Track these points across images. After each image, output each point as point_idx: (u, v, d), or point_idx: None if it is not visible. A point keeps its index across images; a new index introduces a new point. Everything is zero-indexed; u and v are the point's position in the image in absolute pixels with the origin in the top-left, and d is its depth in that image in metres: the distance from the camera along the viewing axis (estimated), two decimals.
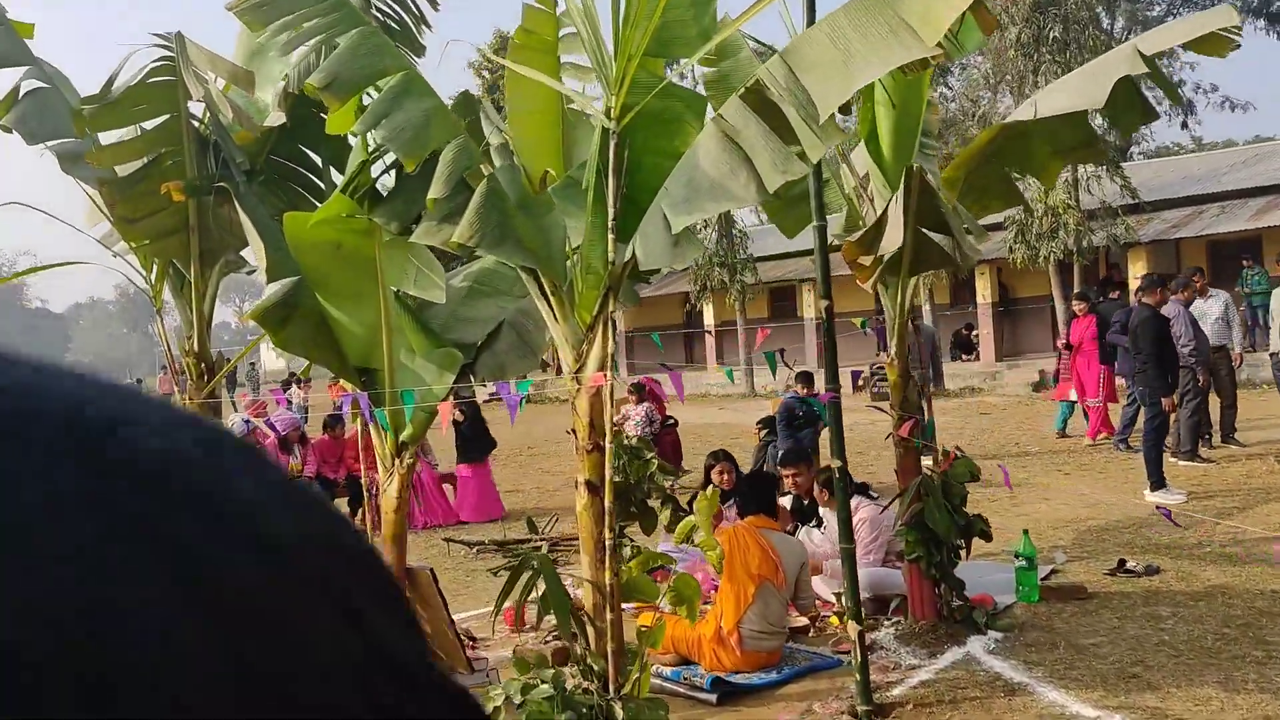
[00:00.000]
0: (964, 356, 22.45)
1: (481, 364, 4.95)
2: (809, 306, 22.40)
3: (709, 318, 24.48)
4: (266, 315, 4.71)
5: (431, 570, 4.93)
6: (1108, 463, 10.68)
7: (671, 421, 12.05)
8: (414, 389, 4.69)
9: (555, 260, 4.21)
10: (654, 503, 7.59)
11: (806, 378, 10.89)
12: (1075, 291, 14.80)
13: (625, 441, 7.83)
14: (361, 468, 10.84)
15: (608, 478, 4.10)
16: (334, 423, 11.09)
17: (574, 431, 4.30)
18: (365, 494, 11.34)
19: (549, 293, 4.28)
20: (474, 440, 10.70)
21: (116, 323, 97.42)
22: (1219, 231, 19.06)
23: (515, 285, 5.33)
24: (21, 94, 5.59)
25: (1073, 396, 12.28)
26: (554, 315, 4.29)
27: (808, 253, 9.36)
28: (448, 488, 10.80)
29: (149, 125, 5.66)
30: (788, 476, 7.05)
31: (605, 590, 4.05)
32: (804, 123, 3.61)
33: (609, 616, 4.02)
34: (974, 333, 22.22)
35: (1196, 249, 20.57)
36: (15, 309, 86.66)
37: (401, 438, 4.90)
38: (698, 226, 4.96)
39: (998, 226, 17.41)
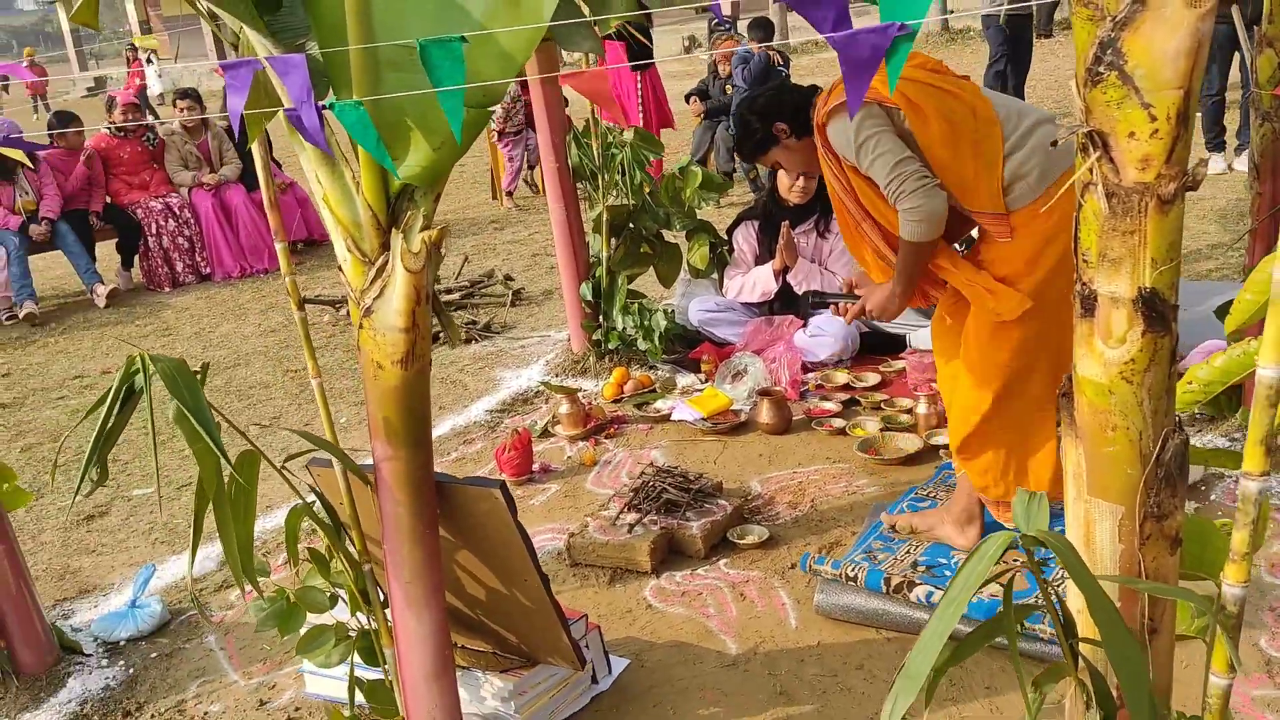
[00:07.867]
0: None
1: None
2: None
3: None
4: None
5: (503, 485, 2.12)
6: None
7: None
8: (457, 36, 1.61)
9: None
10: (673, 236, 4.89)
11: (764, 25, 7.96)
12: None
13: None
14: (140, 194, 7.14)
15: None
16: (64, 122, 7.28)
17: None
18: (143, 232, 7.79)
19: None
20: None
21: None
22: None
23: None
24: None
25: None
26: None
27: None
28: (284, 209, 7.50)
29: None
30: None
31: None
32: None
33: None
34: None
35: None
36: None
37: (405, 177, 1.87)
38: None
39: None
